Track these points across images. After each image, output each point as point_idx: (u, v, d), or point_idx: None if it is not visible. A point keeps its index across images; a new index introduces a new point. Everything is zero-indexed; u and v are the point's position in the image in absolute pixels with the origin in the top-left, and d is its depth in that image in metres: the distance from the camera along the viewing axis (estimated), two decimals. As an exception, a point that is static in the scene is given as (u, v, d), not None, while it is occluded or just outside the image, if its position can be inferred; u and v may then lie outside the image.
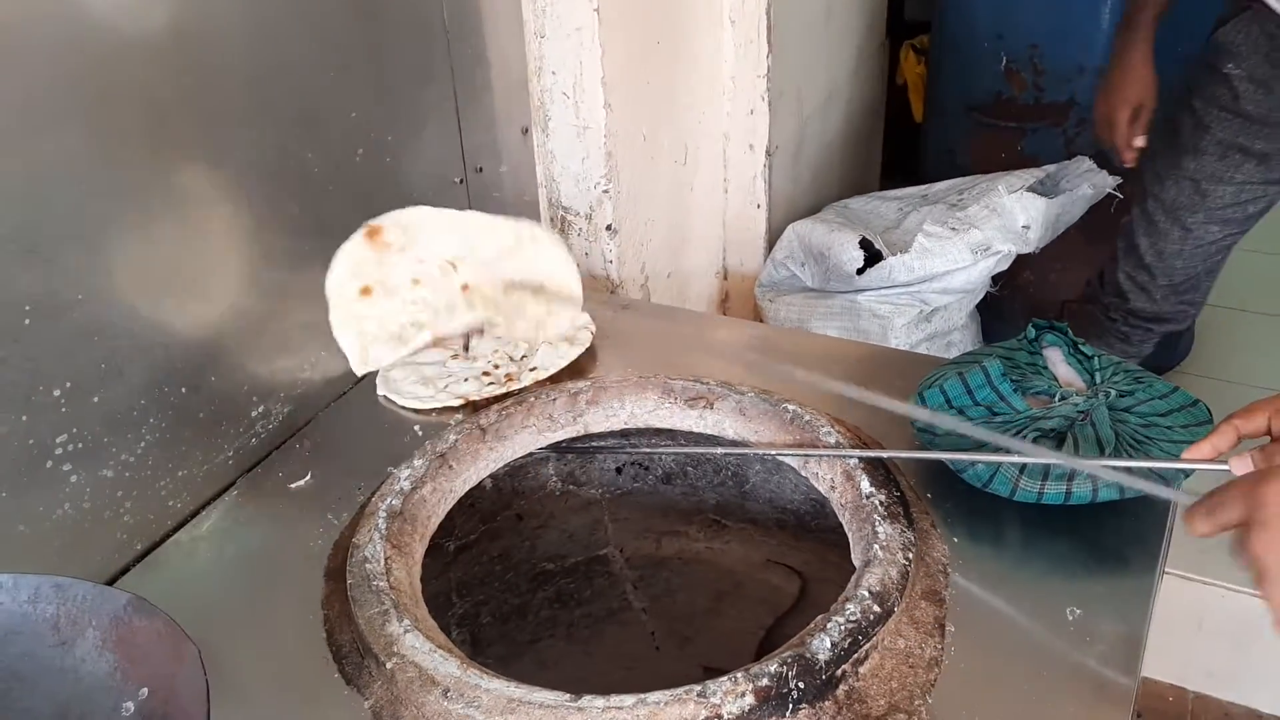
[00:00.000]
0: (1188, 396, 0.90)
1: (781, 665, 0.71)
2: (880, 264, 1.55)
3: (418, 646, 0.75)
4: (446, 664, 0.74)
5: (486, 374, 1.11)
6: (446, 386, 1.09)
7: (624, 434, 1.14)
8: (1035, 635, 0.78)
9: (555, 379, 1.09)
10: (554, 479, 1.18)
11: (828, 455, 0.92)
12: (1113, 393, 0.90)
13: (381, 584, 0.81)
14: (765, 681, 0.70)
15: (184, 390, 0.92)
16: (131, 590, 0.68)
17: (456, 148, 1.21)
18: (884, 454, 0.91)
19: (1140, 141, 1.46)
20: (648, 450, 1.11)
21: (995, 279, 1.69)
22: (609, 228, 1.37)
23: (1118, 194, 1.67)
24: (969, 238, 1.54)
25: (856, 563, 0.84)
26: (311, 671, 0.79)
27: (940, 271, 1.53)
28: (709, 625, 1.31)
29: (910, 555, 0.81)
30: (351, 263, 0.89)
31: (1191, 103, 1.44)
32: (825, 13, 1.78)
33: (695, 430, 1.04)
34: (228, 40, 0.90)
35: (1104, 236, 1.85)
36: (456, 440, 0.98)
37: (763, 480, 1.15)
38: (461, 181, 1.23)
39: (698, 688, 0.71)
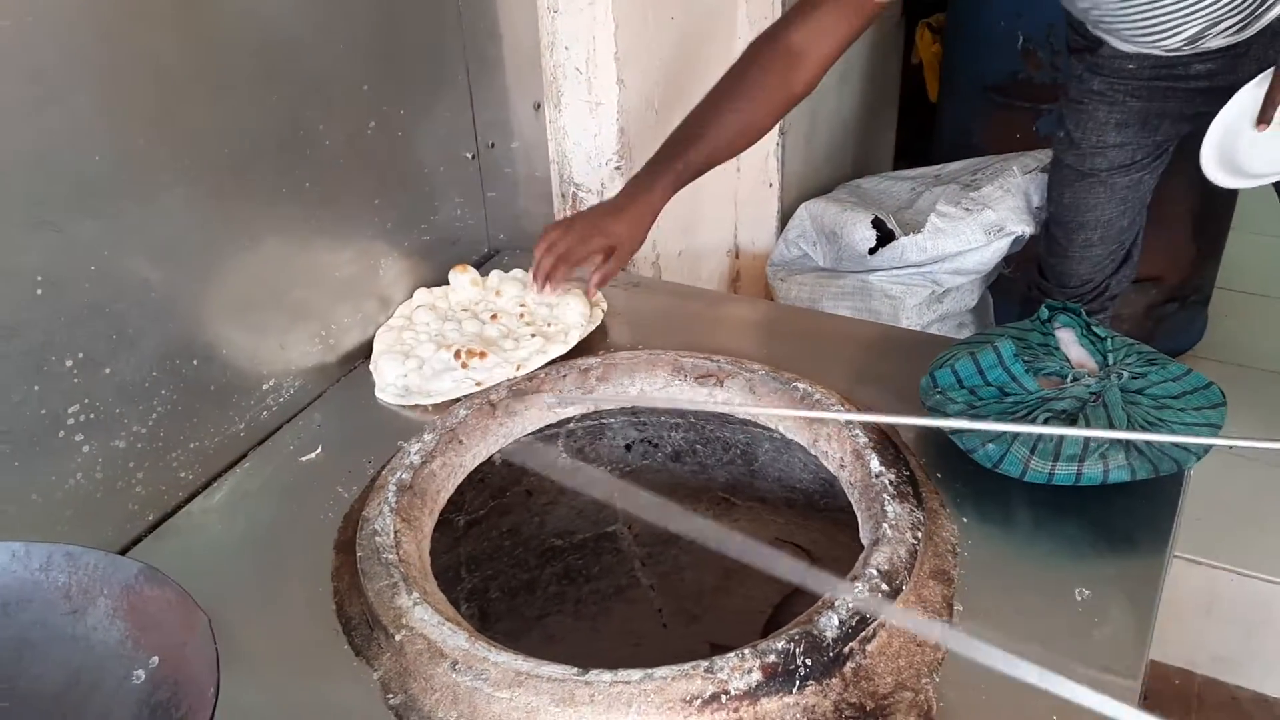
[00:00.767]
0: (1201, 379, 0.90)
1: (789, 642, 0.71)
2: (893, 244, 1.54)
3: (426, 619, 0.76)
4: (455, 637, 0.74)
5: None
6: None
7: (634, 410, 1.14)
8: (1043, 616, 0.77)
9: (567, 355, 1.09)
10: (564, 455, 1.18)
11: (819, 417, 0.92)
12: (1125, 374, 0.90)
13: (391, 557, 0.82)
14: (772, 658, 0.71)
15: (195, 362, 0.92)
16: (143, 560, 0.69)
17: (469, 123, 1.21)
18: (883, 418, 0.91)
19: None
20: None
21: (1008, 260, 1.68)
22: (620, 205, 1.36)
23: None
24: (982, 218, 1.53)
25: (865, 541, 0.84)
26: (321, 642, 0.79)
27: (953, 252, 1.52)
28: (716, 603, 1.31)
29: (919, 534, 0.81)
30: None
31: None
32: (841, -11, 1.76)
33: (706, 407, 1.04)
34: (237, 9, 0.90)
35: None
36: (466, 415, 0.98)
37: (771, 459, 1.15)
38: (473, 157, 1.23)
39: (705, 663, 0.71)
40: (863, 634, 0.73)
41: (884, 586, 0.76)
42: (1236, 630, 1.58)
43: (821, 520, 1.18)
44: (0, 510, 0.79)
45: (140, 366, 0.87)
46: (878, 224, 1.56)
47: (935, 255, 1.52)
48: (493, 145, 1.25)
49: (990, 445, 0.86)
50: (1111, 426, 0.85)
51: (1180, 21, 1.24)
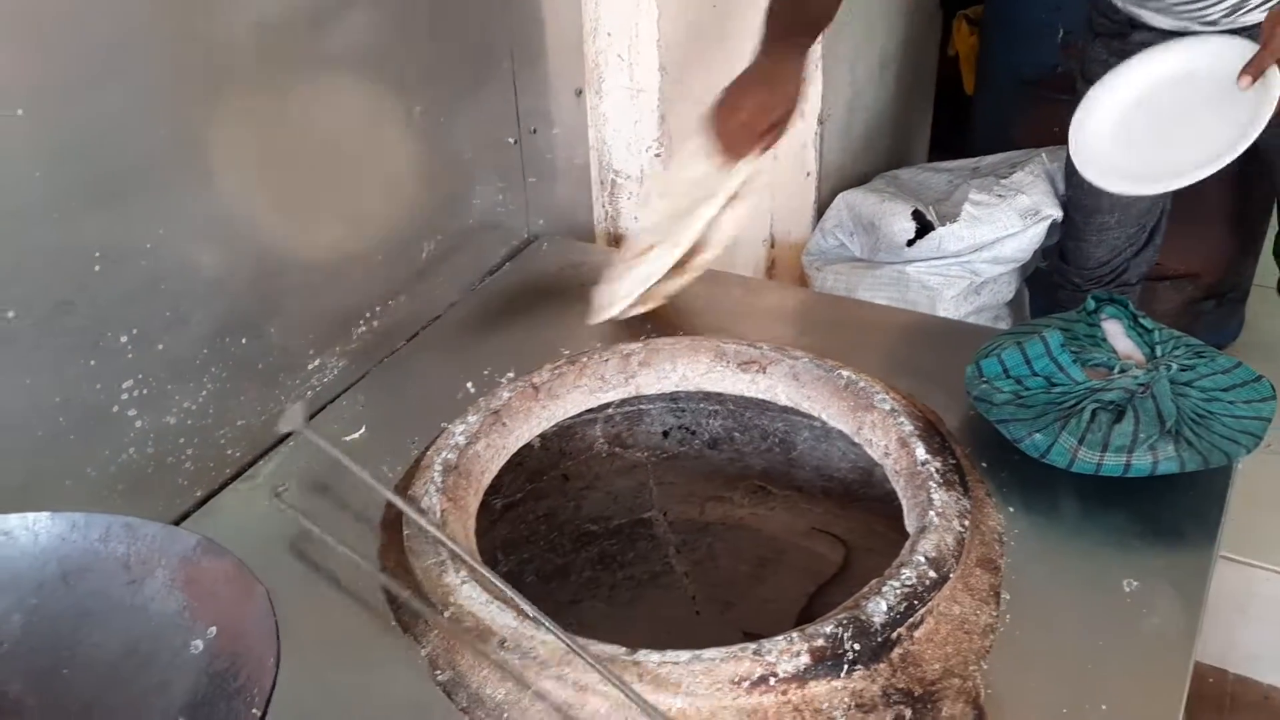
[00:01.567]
0: (1250, 372, 0.89)
1: (837, 626, 0.72)
2: (930, 234, 1.53)
3: (475, 597, 0.76)
4: (503, 615, 0.75)
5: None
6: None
7: (673, 397, 1.15)
8: (1091, 606, 0.77)
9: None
10: (601, 441, 1.18)
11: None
12: (1174, 366, 0.89)
13: (439, 534, 0.82)
14: (820, 642, 0.71)
15: (244, 341, 0.93)
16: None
17: (511, 108, 1.21)
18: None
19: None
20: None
21: (1044, 254, 1.67)
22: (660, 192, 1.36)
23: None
24: (1017, 203, 1.52)
25: (910, 529, 0.84)
26: (367, 620, 0.80)
27: (990, 239, 1.52)
28: (750, 592, 1.32)
29: (966, 523, 0.81)
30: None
31: None
32: (880, -20, 1.76)
33: (747, 395, 1.04)
34: (293, -8, 0.90)
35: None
36: (510, 398, 0.98)
37: (811, 447, 1.15)
38: (515, 142, 1.23)
39: (753, 646, 0.71)
40: (910, 620, 0.73)
41: (931, 574, 0.76)
42: (1272, 629, 1.57)
43: (859, 510, 1.17)
44: (56, 483, 0.80)
45: (191, 344, 0.88)
46: (917, 215, 1.55)
47: (973, 244, 1.52)
48: (534, 131, 1.25)
49: (1038, 435, 0.86)
50: (1160, 419, 0.84)
51: None
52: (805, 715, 0.69)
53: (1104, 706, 0.69)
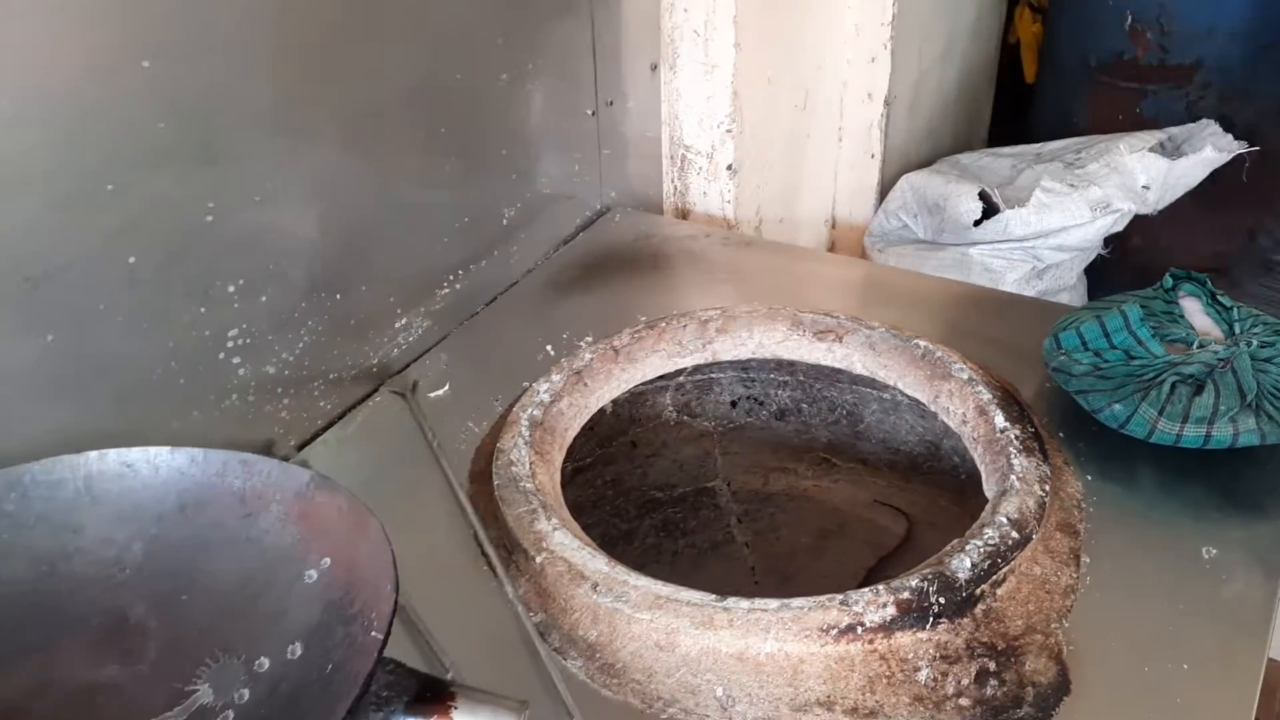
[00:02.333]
0: (1332, 349, 0.90)
1: (922, 581, 0.73)
2: (996, 217, 1.54)
3: (566, 543, 0.79)
4: (595, 560, 0.77)
5: None
6: None
7: (745, 366, 1.17)
8: (1170, 571, 0.78)
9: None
10: (670, 409, 1.20)
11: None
12: (1254, 342, 0.90)
13: (528, 485, 0.85)
14: (906, 595, 0.73)
15: (338, 297, 0.96)
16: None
17: (590, 80, 1.24)
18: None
19: None
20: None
21: (1107, 241, 1.67)
22: (729, 167, 1.38)
23: (1246, 155, 1.64)
24: (1088, 194, 1.52)
25: (989, 494, 0.85)
26: (458, 565, 0.83)
27: (1057, 227, 1.52)
28: (809, 564, 1.33)
29: (1046, 488, 0.82)
30: None
31: None
32: (948, -36, 1.76)
33: (822, 363, 1.06)
34: (395, -42, 0.93)
35: (1225, 203, 1.81)
36: (591, 359, 1.01)
37: (878, 420, 1.16)
38: (593, 113, 1.25)
39: (840, 596, 0.73)
40: (993, 578, 0.75)
41: (1014, 534, 0.77)
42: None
43: (923, 484, 1.19)
44: (165, 425, 0.83)
45: (291, 297, 0.91)
46: (983, 196, 1.56)
47: (1039, 230, 1.52)
48: (611, 103, 1.28)
49: (1117, 405, 0.87)
50: (1241, 392, 0.85)
51: None
52: (891, 664, 0.71)
53: (1185, 666, 0.71)
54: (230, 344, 0.87)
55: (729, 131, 1.36)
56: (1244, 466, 0.86)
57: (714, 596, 0.74)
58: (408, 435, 0.96)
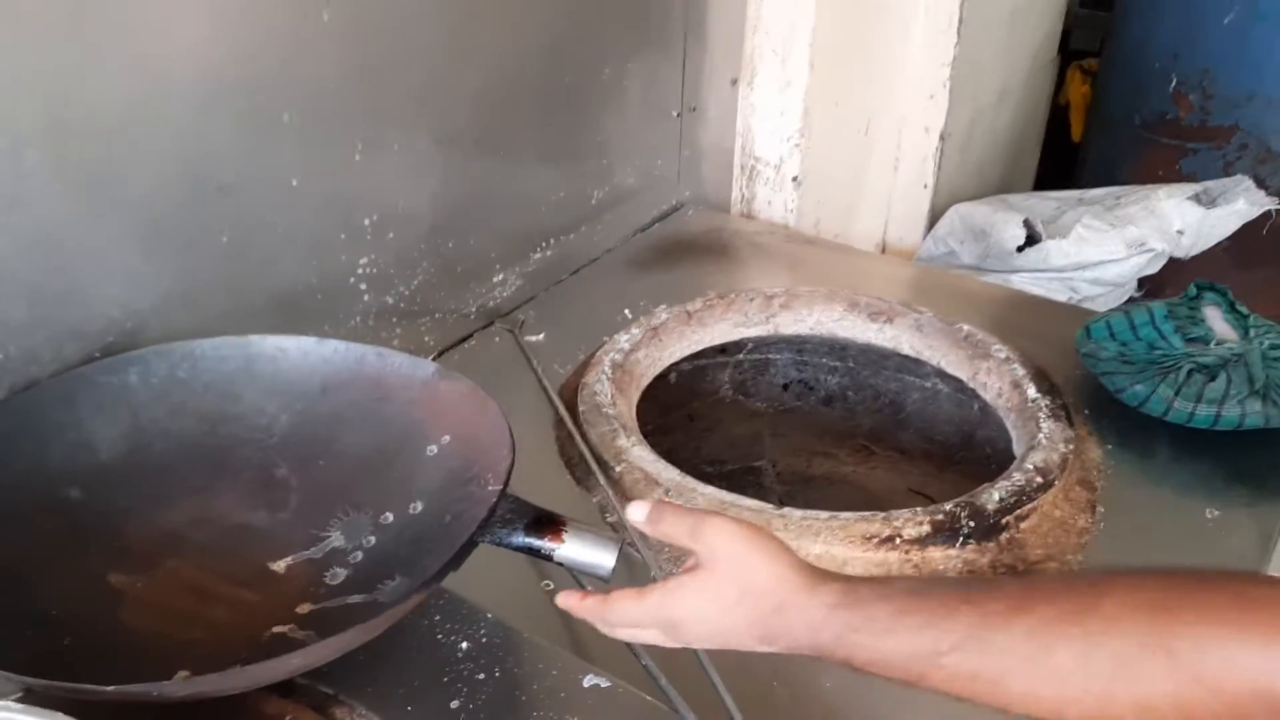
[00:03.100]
0: (1337, 355, 1.00)
1: (956, 507, 0.84)
2: (1039, 245, 1.65)
3: (644, 456, 0.91)
4: (668, 470, 0.89)
5: None
6: None
7: (800, 349, 1.28)
8: (1176, 525, 0.88)
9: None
10: (727, 386, 1.32)
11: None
12: (1266, 342, 1.00)
13: (610, 411, 0.97)
14: (940, 517, 0.83)
15: (450, 245, 1.09)
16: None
17: (678, 86, 1.37)
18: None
19: None
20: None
21: (1141, 283, 1.77)
22: (794, 179, 1.51)
23: (1274, 211, 1.74)
24: (1125, 233, 1.63)
25: (1018, 452, 0.96)
26: (546, 476, 0.94)
27: (1094, 261, 1.63)
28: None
29: (1070, 446, 0.92)
30: None
31: None
32: (1010, 17, 1.89)
33: (874, 343, 1.17)
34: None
35: (1253, 259, 1.91)
36: (667, 319, 1.13)
37: (919, 409, 1.27)
38: (678, 115, 1.39)
39: (882, 514, 0.84)
40: (1018, 512, 0.85)
41: (1038, 479, 0.88)
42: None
43: (955, 474, 1.29)
44: (303, 330, 0.96)
45: (414, 238, 1.04)
46: (1027, 225, 1.67)
47: (1078, 262, 1.63)
48: (694, 109, 1.41)
49: (1138, 386, 0.98)
50: (1250, 381, 0.95)
51: None
52: (923, 573, 0.82)
53: (1183, 596, 0.80)
54: (360, 271, 0.99)
55: (797, 145, 1.49)
56: (1250, 446, 0.96)
57: (772, 505, 0.85)
58: (502, 371, 1.08)
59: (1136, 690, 0.45)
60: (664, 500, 0.64)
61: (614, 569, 0.66)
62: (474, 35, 1.04)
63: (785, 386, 1.33)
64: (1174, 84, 1.98)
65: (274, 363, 0.84)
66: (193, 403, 0.82)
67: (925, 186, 1.77)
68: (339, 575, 0.74)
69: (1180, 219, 1.68)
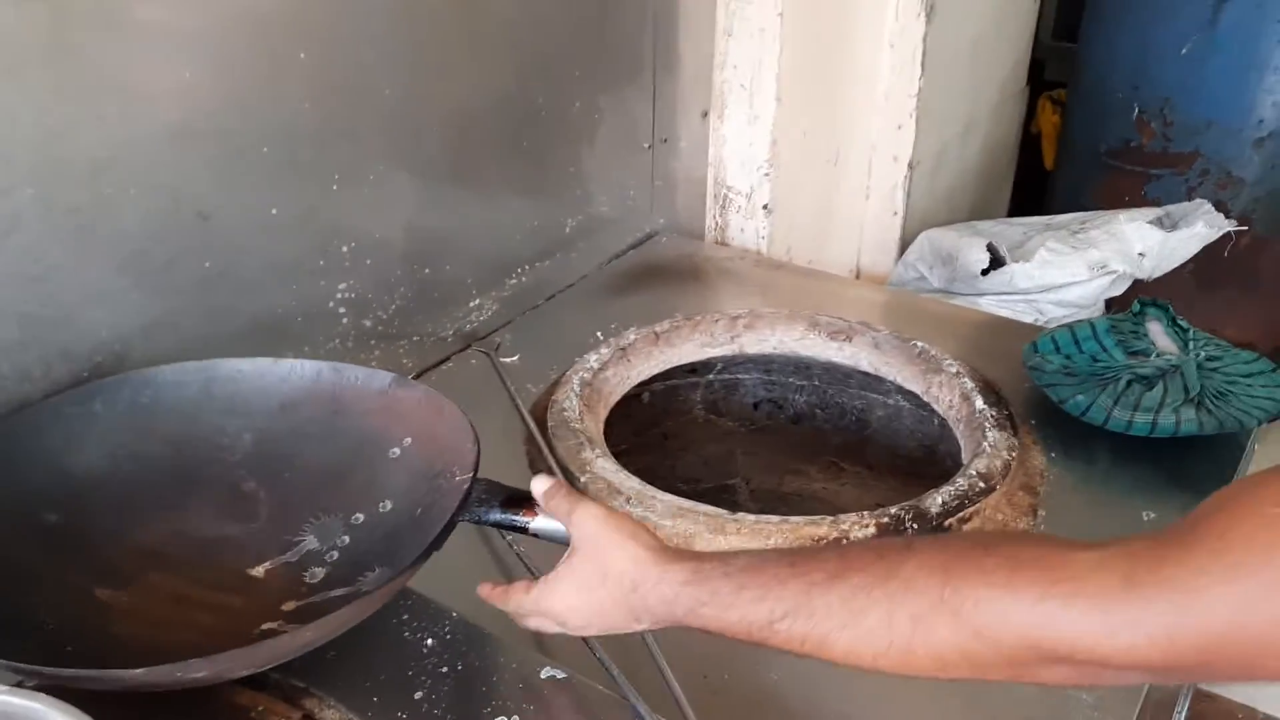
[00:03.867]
0: (1268, 364, 1.05)
1: (901, 510, 0.89)
2: (1003, 269, 1.70)
3: (607, 467, 0.95)
4: (630, 481, 0.93)
5: None
6: None
7: (767, 369, 1.33)
8: (1114, 528, 0.92)
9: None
10: (699, 406, 1.36)
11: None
12: (1203, 354, 1.05)
13: (578, 426, 1.01)
14: (886, 519, 0.88)
15: (427, 270, 1.14)
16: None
17: (650, 118, 1.43)
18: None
19: None
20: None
21: (1108, 304, 1.82)
22: (765, 206, 1.56)
23: (1234, 234, 1.80)
24: (1088, 256, 1.69)
25: (965, 460, 1.00)
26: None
27: (1058, 283, 1.68)
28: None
29: (1013, 455, 0.97)
30: None
31: None
32: (972, 47, 1.96)
33: (834, 360, 1.22)
34: (500, -3, 1.13)
35: (1216, 281, 1.97)
36: (635, 339, 1.18)
37: (884, 425, 1.31)
38: (649, 147, 1.44)
39: (830, 517, 0.88)
40: (960, 514, 0.90)
41: (980, 484, 0.92)
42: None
43: (920, 487, 1.33)
44: (282, 354, 1.00)
45: (390, 264, 1.09)
46: (991, 249, 1.73)
47: (1042, 284, 1.68)
48: (665, 141, 1.47)
49: (1079, 396, 1.03)
50: (1186, 389, 1.00)
51: None
52: (869, 573, 0.86)
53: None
54: (339, 295, 1.05)
55: (766, 175, 1.54)
56: (1187, 453, 1.01)
57: (725, 511, 0.89)
58: (478, 391, 1.13)
59: (931, 645, 0.52)
60: (562, 482, 0.71)
61: None
62: (447, 71, 1.10)
63: (755, 405, 1.38)
64: (1136, 113, 2.05)
65: (232, 384, 0.88)
66: (158, 426, 0.85)
67: (895, 214, 1.83)
68: (318, 574, 0.79)
69: (1141, 242, 1.74)
